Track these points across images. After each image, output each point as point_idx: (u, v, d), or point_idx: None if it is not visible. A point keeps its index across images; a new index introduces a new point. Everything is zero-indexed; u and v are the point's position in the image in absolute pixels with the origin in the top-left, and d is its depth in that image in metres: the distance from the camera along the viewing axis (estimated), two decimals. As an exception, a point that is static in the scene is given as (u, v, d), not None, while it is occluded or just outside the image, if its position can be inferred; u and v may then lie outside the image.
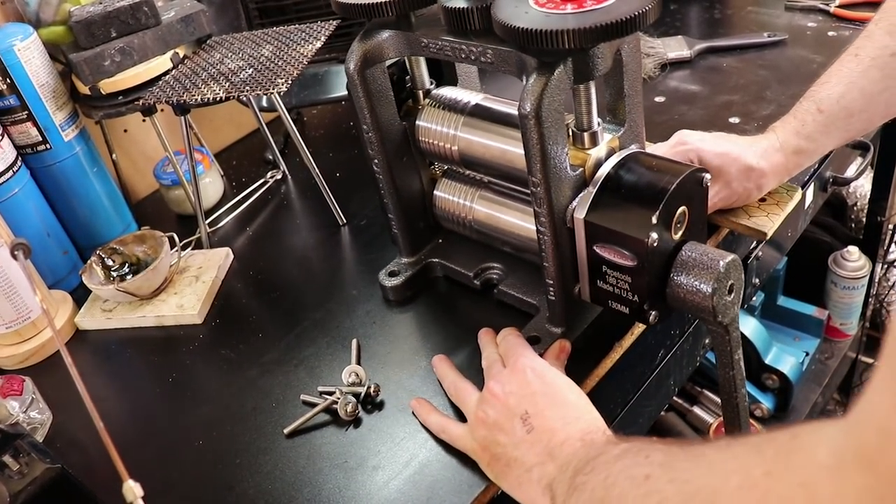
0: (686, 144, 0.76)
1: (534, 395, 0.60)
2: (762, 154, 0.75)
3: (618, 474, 0.48)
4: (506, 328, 0.70)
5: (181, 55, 0.93)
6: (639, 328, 0.73)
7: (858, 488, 0.29)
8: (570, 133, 0.65)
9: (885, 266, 1.69)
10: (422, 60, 0.75)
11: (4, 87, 0.86)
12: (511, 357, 0.65)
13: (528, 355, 0.64)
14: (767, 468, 0.36)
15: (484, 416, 0.62)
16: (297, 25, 0.95)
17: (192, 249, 0.96)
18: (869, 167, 1.35)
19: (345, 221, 0.98)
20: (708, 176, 0.62)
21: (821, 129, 0.74)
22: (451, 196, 0.79)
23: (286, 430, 0.69)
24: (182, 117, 0.90)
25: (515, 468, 0.58)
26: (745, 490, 0.37)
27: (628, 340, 0.72)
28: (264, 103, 1.08)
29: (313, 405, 0.71)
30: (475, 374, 0.71)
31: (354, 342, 0.77)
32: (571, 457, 0.55)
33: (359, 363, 0.75)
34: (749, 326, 1.44)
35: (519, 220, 0.74)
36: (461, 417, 0.66)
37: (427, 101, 0.76)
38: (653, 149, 0.77)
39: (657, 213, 0.57)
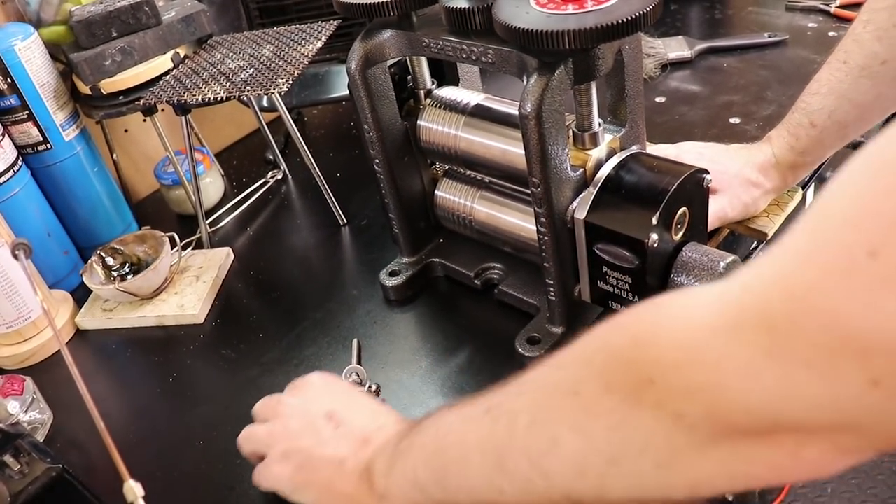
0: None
1: (333, 394, 0.59)
2: (760, 168, 0.75)
3: (450, 424, 0.45)
4: None
5: (182, 55, 0.93)
6: (639, 328, 0.72)
7: (752, 348, 0.28)
8: (571, 133, 0.65)
9: (886, 266, 1.68)
10: (423, 60, 0.75)
11: (5, 86, 0.86)
12: (272, 402, 0.63)
13: (309, 376, 0.63)
14: (632, 337, 0.34)
15: (282, 428, 0.58)
16: (297, 25, 0.95)
17: (193, 249, 0.96)
18: (869, 167, 1.35)
19: (345, 221, 0.98)
20: (709, 177, 0.62)
21: (815, 143, 0.73)
22: (451, 196, 0.80)
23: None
24: (183, 117, 0.90)
25: (324, 468, 0.54)
26: (607, 364, 0.34)
27: (629, 341, 0.72)
28: (265, 103, 1.08)
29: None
30: (475, 375, 0.72)
31: (355, 342, 0.77)
32: (391, 437, 0.52)
33: (359, 363, 0.75)
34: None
35: (519, 221, 0.74)
36: None
37: (428, 100, 0.76)
38: (655, 150, 0.77)
39: (658, 213, 0.57)
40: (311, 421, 0.57)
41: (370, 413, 0.57)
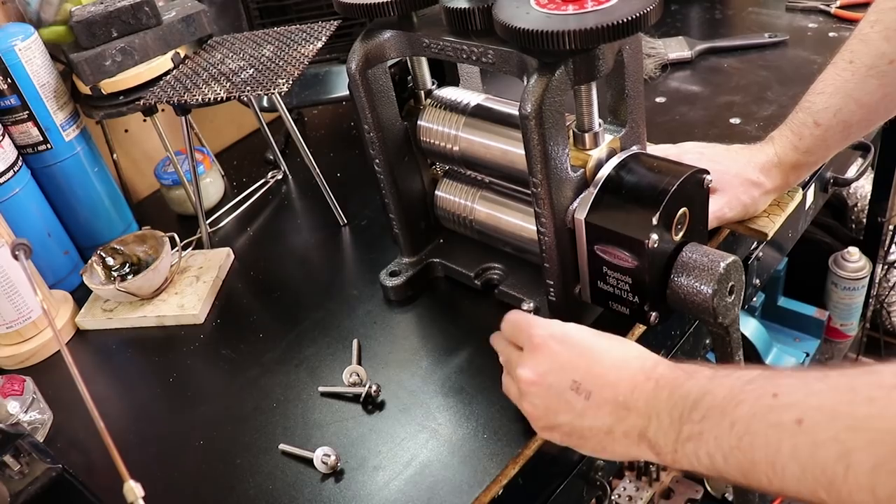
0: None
1: (569, 361, 0.56)
2: (761, 168, 0.75)
3: (749, 421, 0.43)
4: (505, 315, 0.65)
5: (182, 55, 0.93)
6: (639, 329, 0.73)
7: None
8: (572, 134, 0.65)
9: (886, 267, 1.69)
10: (423, 60, 0.75)
11: (5, 86, 0.86)
12: (522, 336, 0.60)
13: (538, 325, 0.59)
14: None
15: (533, 408, 0.58)
16: (298, 25, 0.95)
17: (193, 249, 0.96)
18: (869, 168, 1.35)
19: (345, 221, 0.98)
20: (709, 177, 0.62)
21: (819, 142, 0.73)
22: (452, 196, 0.80)
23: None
24: (183, 117, 0.90)
25: (592, 437, 0.54)
26: None
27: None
28: (265, 103, 1.08)
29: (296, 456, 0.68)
30: (475, 375, 0.72)
31: (355, 342, 0.77)
32: (654, 400, 0.51)
33: (359, 363, 0.75)
34: (749, 327, 1.44)
35: (520, 221, 0.74)
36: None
37: (428, 101, 0.76)
38: (656, 150, 0.78)
39: (658, 214, 0.57)
40: (559, 395, 0.55)
41: (615, 371, 0.54)
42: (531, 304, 0.69)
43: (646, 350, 0.56)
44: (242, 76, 0.85)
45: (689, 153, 0.77)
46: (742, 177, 0.74)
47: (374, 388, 0.71)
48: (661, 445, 0.50)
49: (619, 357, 0.55)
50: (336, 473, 0.65)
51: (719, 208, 0.74)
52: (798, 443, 0.40)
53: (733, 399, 0.45)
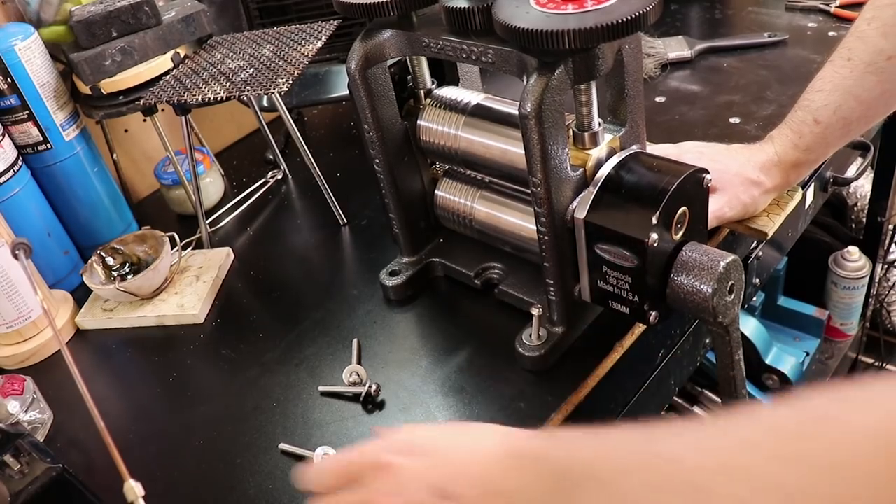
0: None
1: (420, 468, 0.48)
2: (761, 167, 0.75)
3: (641, 493, 0.36)
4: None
5: (182, 55, 0.93)
6: (639, 328, 0.73)
7: None
8: (571, 133, 0.65)
9: (886, 266, 1.69)
10: (423, 60, 0.75)
11: (5, 86, 0.86)
12: (358, 469, 0.50)
13: (370, 451, 0.51)
14: None
15: None
16: (297, 25, 0.95)
17: (193, 249, 0.96)
18: (869, 167, 1.35)
19: (345, 221, 0.98)
20: (709, 177, 0.62)
21: (818, 140, 0.73)
22: (452, 196, 0.79)
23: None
24: (183, 117, 0.90)
25: None
26: None
27: (629, 340, 0.72)
28: (265, 103, 1.08)
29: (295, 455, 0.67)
30: (475, 374, 0.72)
31: (355, 342, 0.77)
32: (520, 480, 0.44)
33: (359, 363, 0.75)
34: (749, 326, 1.44)
35: (519, 220, 0.74)
36: None
37: (428, 100, 0.76)
38: (656, 149, 0.78)
39: (657, 213, 0.57)
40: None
41: (470, 458, 0.47)
42: (538, 310, 0.69)
43: (500, 427, 0.49)
44: (242, 76, 0.85)
45: (688, 152, 0.77)
46: (742, 176, 0.74)
47: (373, 387, 0.71)
48: None
49: (471, 444, 0.48)
50: (371, 401, 0.67)
51: (719, 207, 0.74)
52: None
53: (615, 467, 0.38)
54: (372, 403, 0.71)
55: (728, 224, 0.79)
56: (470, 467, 0.46)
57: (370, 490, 0.48)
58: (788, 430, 0.33)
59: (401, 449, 0.49)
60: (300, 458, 0.67)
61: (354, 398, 0.71)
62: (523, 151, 0.60)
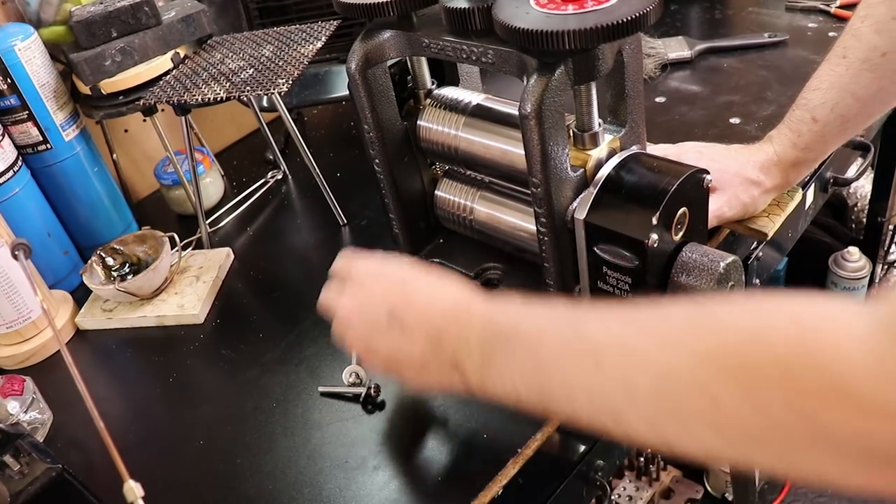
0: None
1: (385, 293, 0.57)
2: (761, 167, 0.75)
3: (549, 350, 0.46)
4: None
5: (182, 55, 0.93)
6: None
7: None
8: (571, 134, 0.65)
9: (886, 267, 1.69)
10: (423, 60, 0.75)
11: (5, 86, 0.86)
12: (346, 278, 0.61)
13: (356, 264, 0.61)
14: (781, 362, 0.34)
15: (355, 336, 0.59)
16: (297, 25, 0.95)
17: (193, 249, 0.96)
18: (869, 168, 1.35)
19: (345, 221, 0.98)
20: (709, 177, 0.62)
21: (817, 138, 0.73)
22: (451, 196, 0.79)
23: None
24: (183, 117, 0.90)
25: (410, 366, 0.56)
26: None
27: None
28: (265, 103, 1.08)
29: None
30: (476, 375, 0.71)
31: (355, 342, 0.77)
32: (467, 329, 0.52)
33: (359, 363, 0.75)
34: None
35: (519, 221, 0.74)
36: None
37: (428, 101, 0.76)
38: (655, 150, 0.78)
39: (658, 214, 0.57)
40: (375, 325, 0.57)
41: (429, 302, 0.55)
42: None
43: (464, 285, 0.56)
44: (242, 76, 0.85)
45: (688, 152, 0.77)
46: (741, 176, 0.74)
47: (373, 387, 0.71)
48: (469, 373, 0.51)
49: (436, 289, 0.56)
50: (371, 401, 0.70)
51: (718, 207, 0.74)
52: (592, 379, 0.43)
53: (540, 334, 0.47)
54: (372, 403, 0.71)
55: (728, 224, 0.79)
56: (425, 305, 0.55)
57: (341, 294, 0.60)
58: (681, 324, 0.40)
59: (375, 272, 0.60)
60: (338, 395, 0.71)
61: (354, 398, 0.71)
62: (523, 152, 0.60)
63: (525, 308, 0.50)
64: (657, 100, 1.07)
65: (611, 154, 0.65)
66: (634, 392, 0.40)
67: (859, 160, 1.12)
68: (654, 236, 0.57)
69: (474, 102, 0.73)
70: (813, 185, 0.94)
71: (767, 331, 0.36)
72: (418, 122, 0.76)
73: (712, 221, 0.72)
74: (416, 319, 0.55)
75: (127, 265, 0.91)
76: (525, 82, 0.58)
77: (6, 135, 0.87)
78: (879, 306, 0.32)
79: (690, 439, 0.39)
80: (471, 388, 0.52)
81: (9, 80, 0.85)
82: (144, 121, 1.07)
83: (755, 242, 0.91)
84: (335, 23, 0.92)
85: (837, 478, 0.34)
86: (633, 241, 0.58)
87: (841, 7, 1.19)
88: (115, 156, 1.08)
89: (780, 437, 0.35)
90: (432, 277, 0.58)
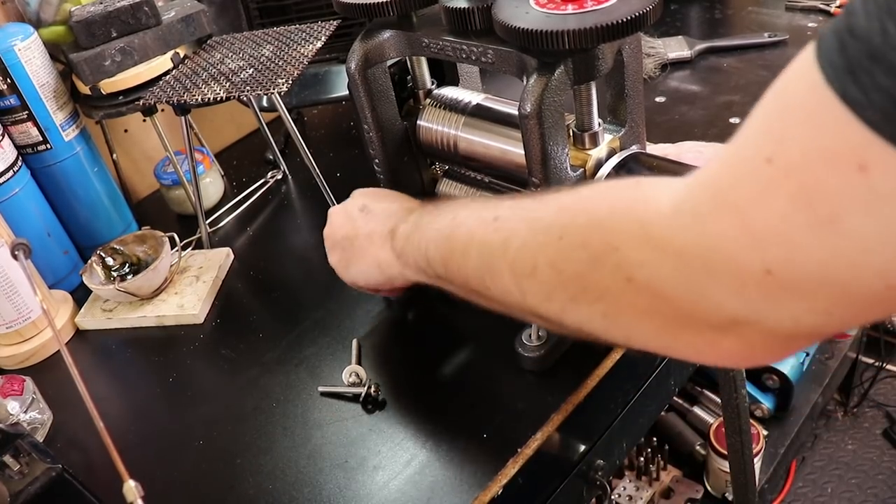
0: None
1: (366, 194, 0.72)
2: None
3: (465, 218, 0.53)
4: None
5: (182, 55, 0.93)
6: (639, 328, 0.72)
7: (688, 236, 0.34)
8: (571, 133, 0.65)
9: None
10: (423, 60, 0.75)
11: (5, 86, 0.86)
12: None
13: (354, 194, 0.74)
14: (610, 209, 0.40)
15: (329, 229, 0.74)
16: (297, 25, 0.95)
17: (193, 249, 0.96)
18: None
19: (345, 221, 0.97)
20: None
21: None
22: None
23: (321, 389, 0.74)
24: (182, 117, 0.90)
25: (359, 243, 0.68)
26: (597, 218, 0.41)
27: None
28: (265, 103, 1.08)
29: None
30: (474, 375, 0.72)
31: (354, 342, 0.77)
32: (408, 213, 0.64)
33: (359, 363, 0.75)
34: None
35: (519, 221, 0.74)
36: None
37: (428, 100, 0.76)
38: (655, 149, 0.78)
39: (658, 213, 0.57)
40: (349, 215, 0.71)
41: (395, 199, 0.70)
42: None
43: (409, 198, 0.71)
44: (242, 76, 0.85)
45: (688, 152, 0.77)
46: None
47: (373, 387, 0.71)
48: (398, 238, 0.63)
49: (402, 196, 0.71)
50: (370, 400, 0.71)
51: None
52: (486, 235, 0.49)
53: (461, 208, 0.55)
54: (372, 403, 0.71)
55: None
56: (387, 201, 0.70)
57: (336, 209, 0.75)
58: (560, 202, 0.46)
59: (362, 191, 0.74)
60: (338, 395, 0.72)
61: (354, 398, 0.71)
62: (523, 152, 0.60)
63: (461, 200, 0.61)
64: (657, 99, 1.07)
65: (610, 154, 0.65)
66: (508, 249, 0.47)
67: (859, 160, 1.11)
68: (654, 236, 0.57)
69: (474, 102, 0.73)
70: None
71: (613, 198, 0.41)
72: (418, 122, 0.76)
73: None
74: (380, 209, 0.69)
75: (127, 265, 0.91)
76: (525, 82, 0.58)
77: (6, 135, 0.87)
78: (697, 171, 0.36)
79: (528, 294, 0.46)
80: (397, 254, 0.63)
81: (8, 80, 0.86)
82: (144, 121, 1.07)
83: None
84: (335, 23, 0.92)
85: (637, 329, 0.40)
86: (633, 241, 0.58)
87: (841, 7, 1.19)
88: (114, 156, 1.08)
89: (597, 276, 0.40)
90: (388, 192, 0.73)
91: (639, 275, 0.37)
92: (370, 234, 0.67)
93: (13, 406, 0.73)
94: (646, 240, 0.36)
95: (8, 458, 0.57)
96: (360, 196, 0.73)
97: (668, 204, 0.36)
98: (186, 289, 0.89)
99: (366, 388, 0.71)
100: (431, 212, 0.60)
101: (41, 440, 0.73)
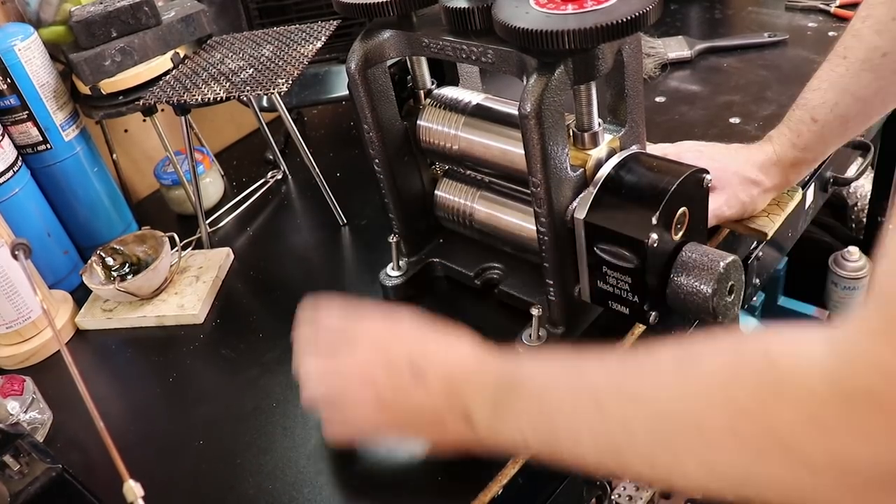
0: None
1: (405, 336, 0.58)
2: (760, 167, 0.75)
3: (555, 398, 0.48)
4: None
5: (182, 55, 0.93)
6: (639, 328, 0.73)
7: (872, 427, 0.32)
8: (571, 133, 0.65)
9: (886, 266, 1.68)
10: (423, 60, 0.75)
11: (5, 86, 0.86)
12: (342, 333, 0.60)
13: (363, 319, 0.60)
14: (757, 396, 0.36)
15: (372, 388, 0.56)
16: (297, 25, 0.95)
17: (193, 249, 0.96)
18: (869, 167, 1.35)
19: (345, 221, 0.98)
20: (709, 177, 0.62)
21: (816, 138, 0.73)
22: (451, 196, 0.79)
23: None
24: (182, 117, 0.90)
25: (425, 421, 0.55)
26: (743, 427, 0.37)
27: (629, 341, 0.72)
28: (265, 103, 1.07)
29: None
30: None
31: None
32: (480, 385, 0.53)
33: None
34: (749, 327, 1.44)
35: (519, 221, 0.74)
36: None
37: (428, 100, 0.76)
38: (655, 149, 0.78)
39: (657, 213, 0.57)
40: (393, 369, 0.56)
41: (447, 351, 0.57)
42: (538, 310, 0.69)
43: (474, 339, 0.57)
44: (242, 76, 0.85)
45: (688, 151, 0.77)
46: (741, 175, 0.74)
47: None
48: (479, 423, 0.52)
49: (450, 343, 0.57)
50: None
51: (718, 206, 0.74)
52: (594, 421, 0.45)
53: (546, 382, 0.50)
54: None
55: (728, 224, 0.79)
56: (443, 359, 0.56)
57: (354, 351, 0.58)
58: (669, 366, 0.43)
59: (390, 327, 0.59)
60: None
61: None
62: (523, 152, 0.60)
63: (533, 359, 0.52)
64: (657, 99, 1.07)
65: (610, 154, 0.65)
66: (633, 433, 0.43)
67: (859, 160, 1.12)
68: (654, 236, 0.57)
69: (474, 102, 0.73)
70: (813, 184, 0.94)
71: (743, 367, 0.38)
72: (418, 122, 0.76)
73: (711, 220, 0.72)
74: (436, 373, 0.55)
75: (127, 265, 0.91)
76: (525, 82, 0.58)
77: (6, 135, 0.87)
78: (836, 331, 0.34)
79: (686, 477, 0.42)
80: (480, 438, 0.53)
81: (8, 80, 0.85)
82: (144, 121, 1.07)
83: (755, 242, 0.91)
84: (335, 23, 0.92)
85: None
86: (633, 241, 0.58)
87: (841, 7, 1.19)
88: (114, 156, 1.08)
89: (765, 467, 0.36)
90: (442, 331, 0.58)
91: (817, 458, 0.34)
92: (439, 417, 0.54)
93: (13, 406, 0.73)
94: (811, 424, 0.34)
95: (8, 458, 0.57)
96: (404, 340, 0.58)
97: (818, 375, 0.33)
98: (186, 289, 0.89)
99: None
100: (501, 378, 0.52)
101: (41, 440, 0.73)
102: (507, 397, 0.51)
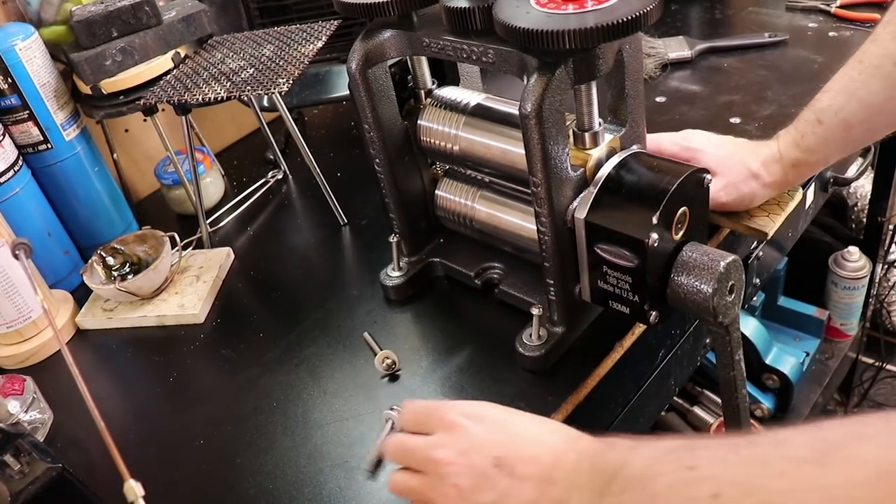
0: (689, 146, 0.76)
1: (489, 438, 0.53)
2: (763, 161, 0.75)
3: (667, 495, 0.42)
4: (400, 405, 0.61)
5: (182, 55, 0.93)
6: (639, 328, 0.73)
7: None
8: (572, 133, 0.65)
9: (886, 266, 1.69)
10: (423, 60, 0.75)
11: (6, 86, 0.86)
12: (432, 421, 0.55)
13: (449, 407, 0.56)
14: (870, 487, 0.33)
15: (456, 491, 0.52)
16: (298, 25, 0.95)
17: (193, 249, 0.96)
18: (869, 167, 1.35)
19: (345, 221, 0.98)
20: (709, 177, 0.62)
21: (820, 141, 0.73)
22: (452, 196, 0.80)
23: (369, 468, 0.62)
24: (183, 117, 0.90)
25: None
26: None
27: (629, 340, 0.72)
28: (265, 103, 1.08)
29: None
30: (475, 374, 0.72)
31: (366, 334, 0.77)
32: (576, 472, 0.49)
33: (381, 348, 0.75)
34: (749, 326, 1.44)
35: (520, 220, 0.74)
36: None
37: (429, 100, 0.76)
38: (656, 137, 0.78)
39: (658, 213, 0.57)
40: (482, 474, 0.51)
41: (535, 444, 0.52)
42: (538, 310, 0.69)
43: (564, 425, 0.54)
44: (242, 76, 0.85)
45: (695, 135, 0.77)
46: (743, 165, 0.75)
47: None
48: None
49: (539, 432, 0.53)
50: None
51: (715, 191, 0.74)
52: None
53: (652, 471, 0.44)
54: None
55: (728, 224, 0.79)
56: (534, 452, 0.51)
57: (437, 440, 0.54)
58: (803, 455, 0.37)
59: (475, 415, 0.54)
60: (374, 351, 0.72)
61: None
62: (523, 151, 0.60)
63: (633, 445, 0.47)
64: (657, 99, 1.07)
65: (611, 153, 0.65)
66: None
67: (859, 160, 1.12)
68: (655, 235, 0.57)
69: (474, 102, 0.73)
70: (813, 184, 0.94)
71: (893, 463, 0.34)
72: (419, 122, 0.76)
73: None
74: (526, 465, 0.51)
75: (127, 265, 0.91)
76: (525, 82, 0.58)
77: (7, 134, 0.87)
78: None
79: None
80: None
81: (9, 80, 0.86)
82: (145, 120, 1.07)
83: (755, 242, 0.91)
84: (335, 22, 0.92)
85: None
86: (634, 241, 0.58)
87: (841, 7, 1.19)
88: (115, 155, 1.08)
89: None
90: (531, 418, 0.55)
91: None
92: None
93: (13, 406, 0.73)
94: None
95: (8, 458, 0.57)
96: (479, 434, 0.53)
97: None
98: (187, 288, 0.89)
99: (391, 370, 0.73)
100: (608, 479, 0.46)
101: (41, 440, 0.73)
102: (608, 487, 0.46)
